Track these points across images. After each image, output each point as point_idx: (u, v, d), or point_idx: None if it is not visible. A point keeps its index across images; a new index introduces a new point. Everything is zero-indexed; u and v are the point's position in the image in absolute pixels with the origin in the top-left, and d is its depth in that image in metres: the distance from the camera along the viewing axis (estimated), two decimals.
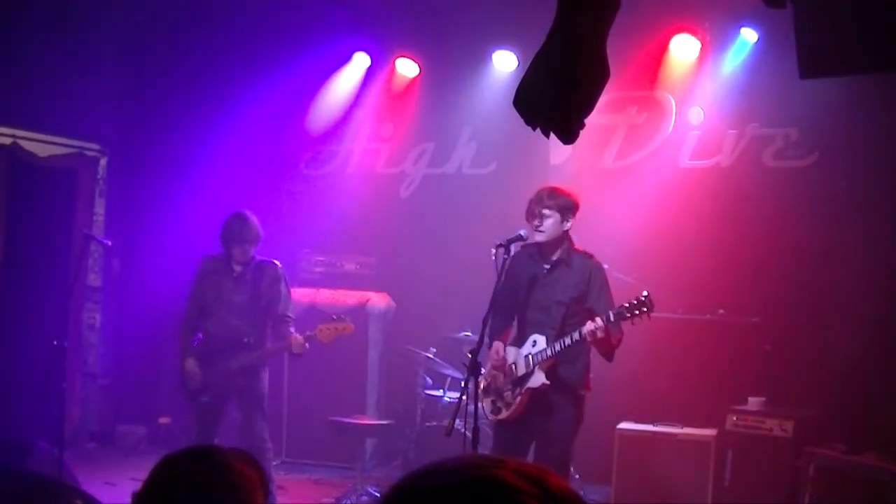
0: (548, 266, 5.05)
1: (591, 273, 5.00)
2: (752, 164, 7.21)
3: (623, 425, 6.39)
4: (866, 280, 6.60)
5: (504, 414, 5.02)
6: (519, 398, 4.96)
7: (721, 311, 6.96)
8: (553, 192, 5.00)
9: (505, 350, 5.10)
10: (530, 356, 4.95)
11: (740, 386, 6.55)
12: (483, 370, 5.15)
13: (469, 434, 4.60)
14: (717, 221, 7.20)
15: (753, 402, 6.32)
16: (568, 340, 4.81)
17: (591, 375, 5.14)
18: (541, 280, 5.05)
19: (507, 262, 4.91)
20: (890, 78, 5.61)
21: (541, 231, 4.96)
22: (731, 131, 7.30)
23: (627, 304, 4.68)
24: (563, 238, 5.02)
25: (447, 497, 0.95)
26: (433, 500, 0.95)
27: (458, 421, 4.59)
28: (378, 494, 6.60)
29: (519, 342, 5.08)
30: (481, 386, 5.26)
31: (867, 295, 6.56)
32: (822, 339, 6.64)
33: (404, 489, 0.99)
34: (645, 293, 4.68)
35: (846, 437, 5.83)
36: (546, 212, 4.94)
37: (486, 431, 6.11)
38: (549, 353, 4.88)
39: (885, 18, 2.28)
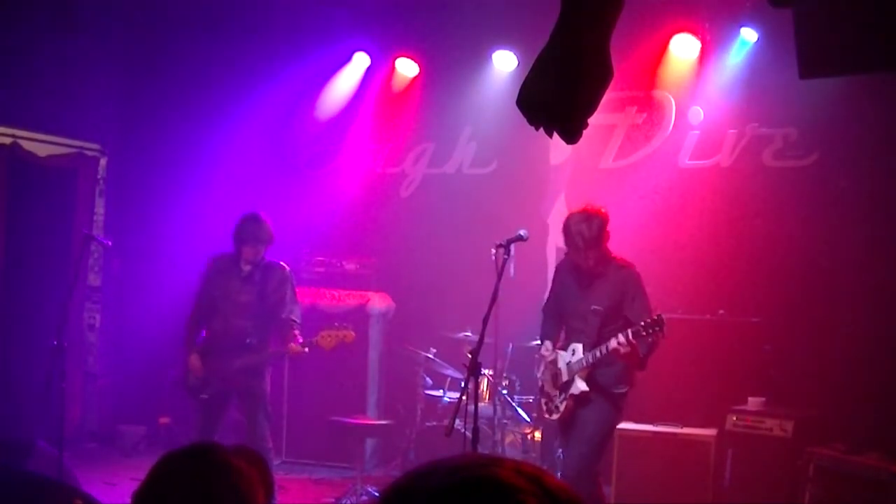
0: (588, 277, 5.19)
1: (626, 282, 5.15)
2: (752, 163, 7.21)
3: (623, 425, 6.37)
4: (866, 280, 6.59)
5: (556, 416, 5.29)
6: (565, 403, 5.20)
7: (721, 311, 6.95)
8: (590, 220, 5.00)
9: (555, 351, 5.34)
10: (571, 364, 5.15)
11: (740, 386, 6.54)
12: (484, 370, 5.30)
13: (469, 434, 4.61)
14: (717, 221, 7.20)
15: (753, 402, 6.32)
16: (599, 353, 5.00)
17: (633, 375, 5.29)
18: (579, 289, 5.22)
19: (553, 271, 5.37)
20: (890, 78, 5.61)
21: (588, 260, 5.07)
22: (730, 131, 7.30)
23: (643, 324, 4.82)
24: (603, 252, 5.14)
25: (446, 496, 0.95)
26: (432, 499, 0.95)
27: (458, 421, 4.59)
28: (378, 494, 6.60)
29: (564, 347, 5.29)
30: (541, 385, 5.48)
31: (867, 295, 6.56)
32: (823, 338, 6.64)
33: (403, 488, 0.99)
34: (658, 314, 4.83)
35: (846, 437, 5.83)
36: (591, 244, 5.02)
37: (486, 431, 6.13)
38: (584, 363, 5.08)
39: (886, 18, 2.28)
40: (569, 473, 5.10)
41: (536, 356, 5.72)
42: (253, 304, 5.99)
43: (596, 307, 5.12)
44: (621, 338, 4.85)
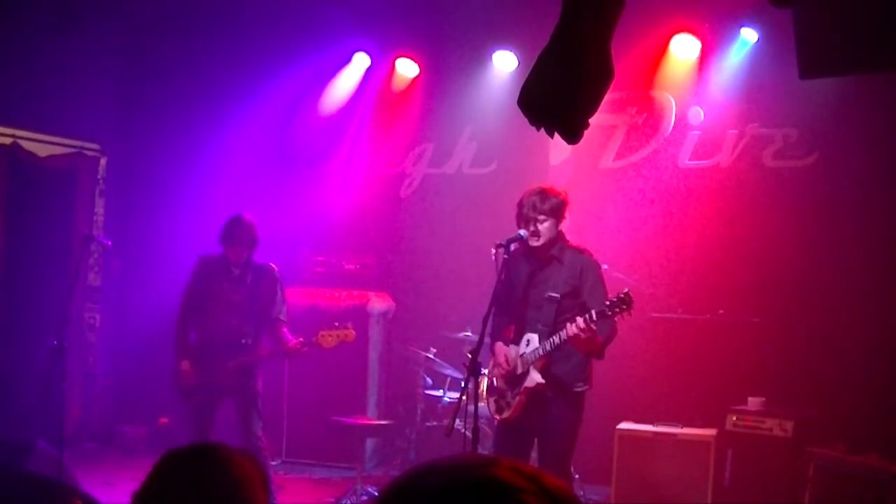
0: (541, 264, 5.03)
1: (582, 268, 4.96)
2: (752, 164, 7.21)
3: (623, 425, 6.39)
4: (866, 280, 6.60)
5: (506, 413, 5.01)
6: (517, 398, 4.94)
7: (721, 311, 6.95)
8: (544, 196, 4.91)
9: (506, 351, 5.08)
10: (524, 355, 4.94)
11: (740, 386, 6.54)
12: (483, 370, 5.15)
13: (469, 434, 4.61)
14: (717, 221, 7.20)
15: (753, 402, 6.32)
16: (557, 339, 4.77)
17: (592, 372, 5.10)
18: (534, 278, 5.03)
19: (506, 261, 4.92)
20: (890, 78, 5.62)
21: (537, 236, 4.91)
22: (731, 131, 7.30)
23: (608, 303, 4.61)
24: (557, 237, 5.00)
25: (446, 496, 0.94)
26: (431, 499, 0.95)
27: (458, 421, 4.59)
28: (377, 494, 6.59)
29: (516, 340, 5.06)
30: (485, 385, 5.25)
31: (867, 295, 6.56)
32: (822, 338, 6.64)
33: (401, 488, 0.99)
34: (625, 290, 4.61)
35: (846, 437, 5.83)
36: (541, 217, 4.89)
37: (486, 431, 6.12)
38: (540, 352, 4.86)
39: (886, 18, 2.28)
40: None
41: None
42: (245, 304, 6.00)
43: (552, 294, 4.90)
44: (580, 322, 4.57)
